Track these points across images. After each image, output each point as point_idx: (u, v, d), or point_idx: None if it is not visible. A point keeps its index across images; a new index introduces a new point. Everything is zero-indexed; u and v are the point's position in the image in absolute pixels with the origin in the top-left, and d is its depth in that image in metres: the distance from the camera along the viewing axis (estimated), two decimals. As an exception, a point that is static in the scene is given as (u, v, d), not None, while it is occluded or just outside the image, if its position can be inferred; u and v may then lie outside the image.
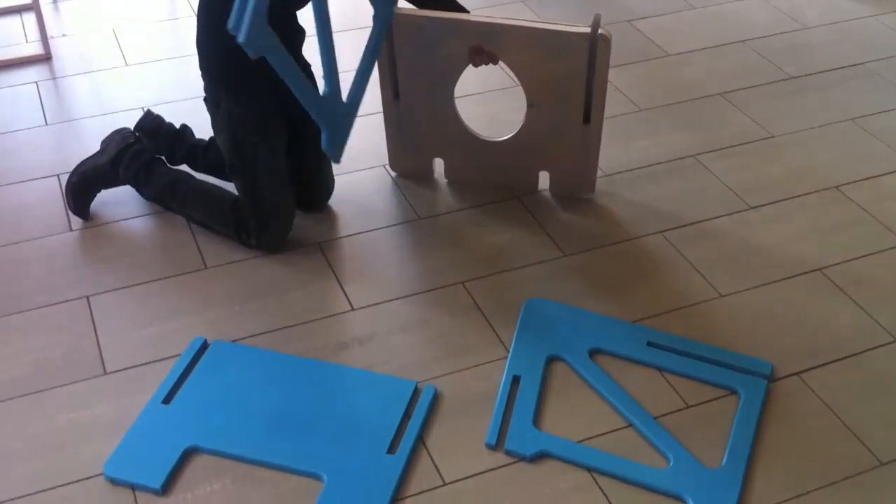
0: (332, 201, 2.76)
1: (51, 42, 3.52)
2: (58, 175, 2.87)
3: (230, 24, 1.90)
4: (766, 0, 3.89)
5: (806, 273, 2.56)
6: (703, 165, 2.96)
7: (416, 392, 2.20)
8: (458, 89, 2.68)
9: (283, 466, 2.04)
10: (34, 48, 3.50)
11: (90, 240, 2.65)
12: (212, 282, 2.52)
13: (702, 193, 2.84)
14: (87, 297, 2.46)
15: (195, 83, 3.27)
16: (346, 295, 2.48)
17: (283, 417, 2.13)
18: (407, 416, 2.14)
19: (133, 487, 2.00)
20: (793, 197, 2.83)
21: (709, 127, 3.14)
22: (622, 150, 3.00)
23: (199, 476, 2.03)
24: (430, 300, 2.47)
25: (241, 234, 2.58)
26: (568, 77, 2.54)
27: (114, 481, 2.01)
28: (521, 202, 2.79)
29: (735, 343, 2.34)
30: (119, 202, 2.76)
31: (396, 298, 2.47)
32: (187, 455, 2.06)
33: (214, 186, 2.67)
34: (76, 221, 2.70)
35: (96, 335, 2.36)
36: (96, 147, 2.78)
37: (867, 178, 2.90)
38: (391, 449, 2.07)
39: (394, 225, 2.71)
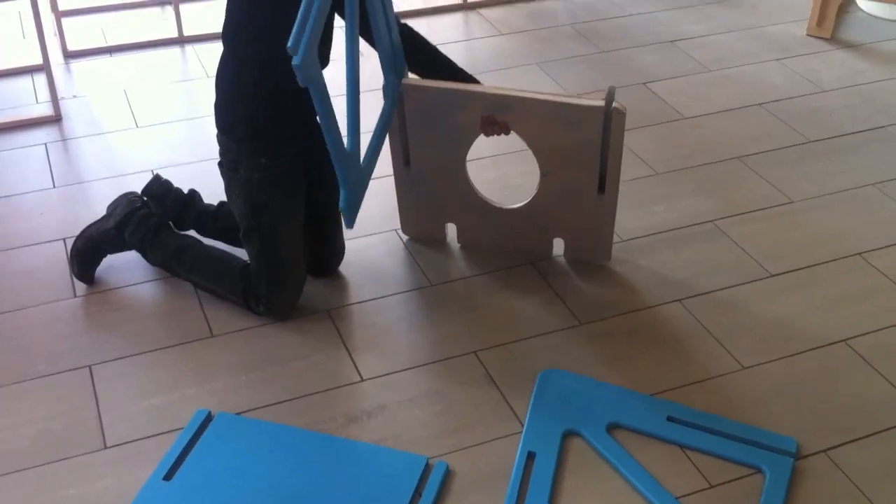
0: (342, 266, 2.71)
1: (61, 103, 3.50)
2: (64, 239, 2.82)
3: (290, 43, 1.88)
4: (782, 63, 3.85)
5: (830, 345, 2.48)
6: (722, 231, 2.89)
7: (426, 469, 2.11)
8: (470, 153, 2.63)
9: (288, 548, 1.95)
10: (44, 109, 3.49)
11: (94, 306, 2.60)
12: (218, 350, 2.45)
13: (721, 260, 2.78)
14: (90, 367, 2.40)
15: (206, 145, 3.25)
16: (355, 365, 2.41)
17: (288, 495, 2.05)
18: (417, 493, 2.06)
19: (131, 569, 1.92)
20: (814, 265, 2.76)
21: (727, 191, 3.08)
22: (638, 214, 2.94)
23: (200, 557, 1.94)
24: (441, 370, 2.39)
25: (249, 300, 2.51)
26: (581, 147, 2.49)
27: (111, 563, 1.93)
28: (536, 268, 2.73)
29: (758, 418, 2.25)
30: (124, 268, 2.71)
31: (407, 369, 2.40)
32: (188, 535, 1.98)
33: (223, 252, 2.62)
34: (80, 287, 2.65)
35: (98, 406, 2.29)
36: (104, 210, 2.73)
37: (891, 245, 2.83)
38: (401, 530, 1.98)
39: (405, 291, 2.65)
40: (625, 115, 2.41)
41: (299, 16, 1.92)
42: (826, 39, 4.01)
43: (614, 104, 2.40)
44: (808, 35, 4.05)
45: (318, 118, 2.11)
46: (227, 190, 2.50)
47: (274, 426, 2.22)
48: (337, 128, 2.15)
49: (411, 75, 2.55)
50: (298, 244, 2.50)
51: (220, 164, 2.49)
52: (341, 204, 2.29)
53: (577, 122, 2.45)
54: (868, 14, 4.22)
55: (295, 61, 1.91)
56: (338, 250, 2.68)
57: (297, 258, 2.51)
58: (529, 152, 2.57)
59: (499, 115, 2.49)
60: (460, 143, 2.60)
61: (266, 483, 2.08)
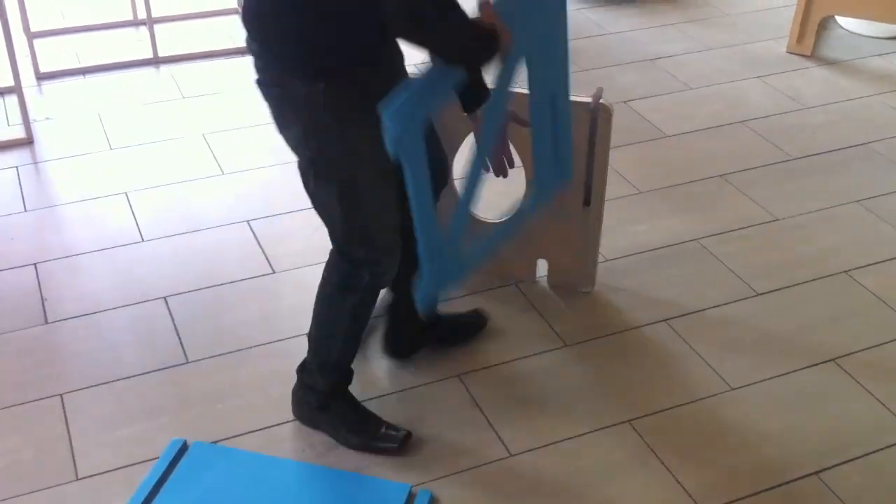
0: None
1: (33, 125, 3.43)
2: (35, 264, 2.75)
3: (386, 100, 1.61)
4: (763, 80, 3.83)
5: (819, 364, 2.44)
6: (707, 250, 2.85)
7: (410, 497, 2.05)
8: (458, 169, 2.58)
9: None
10: (16, 132, 3.41)
11: (66, 333, 2.52)
12: (193, 377, 2.39)
13: (706, 279, 2.74)
14: (61, 396, 2.32)
15: (182, 167, 3.20)
16: (335, 390, 2.34)
17: (267, 527, 1.99)
18: (401, 523, 2.00)
19: None
20: (801, 283, 2.72)
21: (710, 209, 3.04)
22: (622, 233, 2.90)
23: None
24: (425, 395, 2.33)
25: (350, 277, 2.07)
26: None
27: None
28: (520, 289, 2.68)
29: (747, 440, 2.20)
30: (97, 292, 2.64)
31: (390, 393, 2.34)
32: (163, 570, 1.91)
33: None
34: (52, 313, 2.58)
35: (69, 436, 2.21)
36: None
37: (876, 263, 2.80)
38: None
39: (380, 315, 2.59)
40: (611, 112, 2.39)
41: (419, 82, 1.66)
42: (807, 56, 4.00)
43: (601, 101, 2.37)
44: (788, 52, 4.04)
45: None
46: (318, 195, 1.99)
47: (252, 455, 2.16)
48: (431, 202, 1.79)
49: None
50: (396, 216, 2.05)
51: (304, 165, 1.96)
52: (418, 293, 1.89)
53: None
54: (848, 31, 4.21)
55: (392, 129, 1.61)
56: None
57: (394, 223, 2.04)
58: (512, 170, 2.52)
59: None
60: (449, 145, 2.55)
61: (244, 514, 2.01)
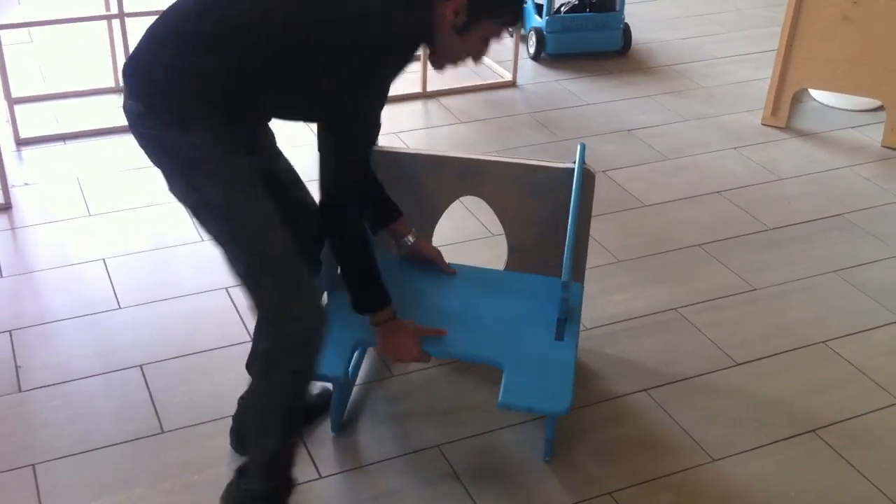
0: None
1: (11, 191, 3.41)
2: (10, 332, 2.72)
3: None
4: (739, 151, 3.88)
5: (800, 435, 2.43)
6: (686, 319, 2.86)
7: None
8: (436, 240, 2.59)
9: None
10: (-6, 197, 3.40)
11: (39, 402, 2.48)
12: (169, 447, 2.35)
13: (686, 349, 2.74)
14: (33, 466, 2.28)
15: (161, 233, 3.19)
16: (313, 461, 2.31)
17: None
18: None
19: None
20: (780, 353, 2.73)
21: (689, 279, 3.06)
22: (601, 302, 2.90)
23: None
24: (404, 466, 2.30)
25: (282, 327, 1.98)
26: (551, 218, 2.47)
27: None
28: (499, 359, 2.67)
29: (731, 513, 2.19)
30: (70, 360, 2.60)
31: (370, 464, 2.31)
32: None
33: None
34: (25, 382, 2.54)
35: (40, 508, 2.17)
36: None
37: (854, 333, 2.82)
38: None
39: (364, 383, 2.57)
40: (595, 176, 2.42)
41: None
42: (781, 128, 4.06)
43: (585, 165, 2.40)
44: (763, 124, 4.10)
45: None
46: (206, 226, 2.00)
47: (227, 528, 2.11)
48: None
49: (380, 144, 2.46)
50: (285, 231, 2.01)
51: (192, 204, 1.99)
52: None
53: (547, 187, 2.43)
54: (821, 104, 4.29)
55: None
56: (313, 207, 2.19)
57: (291, 245, 1.99)
58: (495, 239, 2.54)
59: (470, 179, 2.48)
60: (432, 211, 2.57)
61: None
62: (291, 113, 2.17)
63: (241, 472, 2.09)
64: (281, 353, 1.97)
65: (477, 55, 2.05)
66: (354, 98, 1.94)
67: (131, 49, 1.99)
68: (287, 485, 2.09)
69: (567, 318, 2.33)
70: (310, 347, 1.98)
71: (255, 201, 1.95)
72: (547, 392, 2.17)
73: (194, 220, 2.02)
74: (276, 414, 2.03)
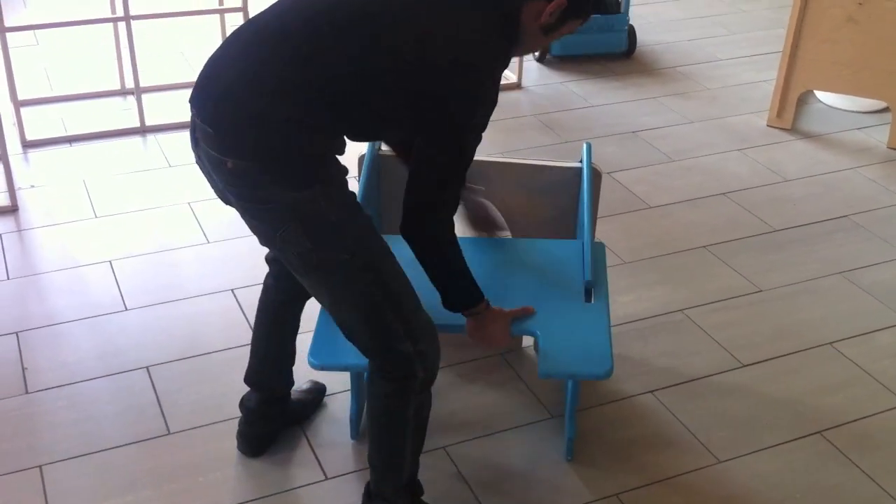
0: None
1: (18, 193, 3.42)
2: (16, 333, 2.72)
3: None
4: (744, 153, 3.88)
5: (806, 436, 2.43)
6: (692, 321, 2.86)
7: None
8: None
9: None
10: (0, 200, 3.41)
11: (46, 404, 2.49)
12: (175, 449, 2.35)
13: (692, 350, 2.74)
14: (41, 467, 2.28)
15: (167, 235, 3.19)
16: (319, 463, 2.31)
17: None
18: None
19: None
20: (785, 354, 2.73)
21: (695, 280, 3.06)
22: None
23: None
24: (409, 468, 2.31)
25: (407, 379, 1.94)
26: (558, 220, 2.47)
27: None
28: (506, 360, 2.67)
29: (737, 514, 2.19)
30: (79, 361, 2.61)
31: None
32: None
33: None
34: (32, 383, 2.54)
35: (47, 510, 2.17)
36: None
37: (861, 335, 2.81)
38: None
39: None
40: (601, 175, 2.42)
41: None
42: (786, 130, 4.06)
43: (592, 164, 2.40)
44: (768, 126, 4.09)
45: None
46: (311, 280, 1.95)
47: (234, 529, 2.12)
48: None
49: (385, 147, 2.48)
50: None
51: (289, 252, 1.93)
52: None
53: (554, 186, 2.43)
54: (827, 105, 4.28)
55: None
56: None
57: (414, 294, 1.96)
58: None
59: (477, 182, 2.45)
60: None
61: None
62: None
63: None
64: (412, 395, 1.95)
65: (545, 48, 2.05)
66: (469, 118, 1.94)
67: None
68: (418, 489, 2.12)
69: (595, 280, 2.28)
70: (431, 383, 1.99)
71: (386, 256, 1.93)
72: (586, 356, 2.10)
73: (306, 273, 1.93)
74: (408, 448, 2.03)
